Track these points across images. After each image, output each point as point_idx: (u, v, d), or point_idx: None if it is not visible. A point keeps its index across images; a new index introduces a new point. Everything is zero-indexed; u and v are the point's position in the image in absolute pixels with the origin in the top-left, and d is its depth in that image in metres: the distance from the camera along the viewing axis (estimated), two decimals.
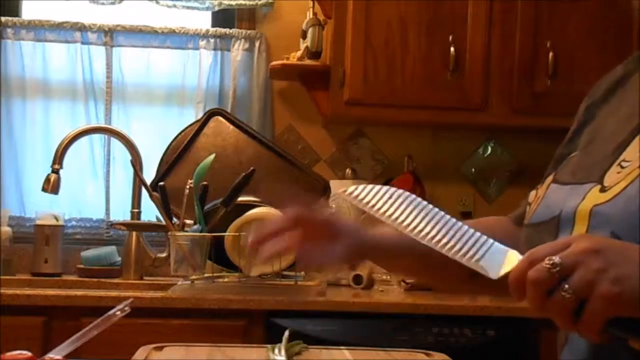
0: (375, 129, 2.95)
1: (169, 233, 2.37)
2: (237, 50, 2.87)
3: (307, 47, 2.77)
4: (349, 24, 2.60)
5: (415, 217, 0.90)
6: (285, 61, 2.80)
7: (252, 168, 2.34)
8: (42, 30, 2.83)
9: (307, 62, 2.78)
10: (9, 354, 1.00)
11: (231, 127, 2.64)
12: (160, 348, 1.27)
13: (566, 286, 0.77)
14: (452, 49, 2.58)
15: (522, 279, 0.80)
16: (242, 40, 2.88)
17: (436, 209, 0.91)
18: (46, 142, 2.81)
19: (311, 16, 2.79)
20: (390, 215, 0.92)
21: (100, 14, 2.89)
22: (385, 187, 0.96)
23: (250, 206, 2.38)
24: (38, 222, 2.71)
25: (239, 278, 2.33)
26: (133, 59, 2.88)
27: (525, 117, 2.65)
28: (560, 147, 1.15)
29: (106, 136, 2.83)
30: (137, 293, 2.28)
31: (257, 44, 2.88)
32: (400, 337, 2.18)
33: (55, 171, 2.60)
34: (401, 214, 0.91)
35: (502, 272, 0.83)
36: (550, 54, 2.59)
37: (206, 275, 2.36)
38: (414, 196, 0.93)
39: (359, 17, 2.59)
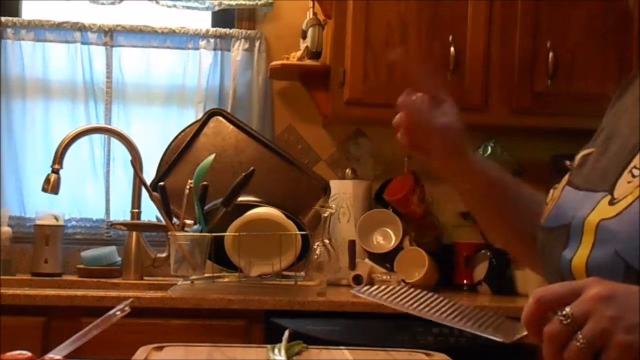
0: (375, 129, 2.95)
1: (169, 233, 2.37)
2: (237, 50, 2.87)
3: (307, 47, 2.77)
4: (349, 24, 2.60)
5: (430, 304, 0.93)
6: (285, 61, 2.80)
7: (252, 168, 2.34)
8: (42, 30, 2.83)
9: (307, 62, 2.78)
10: (9, 354, 1.00)
11: (231, 127, 2.64)
12: (160, 348, 1.27)
13: (580, 337, 0.76)
14: (452, 49, 2.58)
15: (533, 319, 0.80)
16: (242, 40, 2.88)
17: (448, 299, 0.94)
18: (46, 142, 2.81)
19: (311, 16, 2.79)
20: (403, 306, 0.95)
21: (100, 14, 2.89)
22: (398, 287, 0.98)
23: (250, 206, 2.38)
24: (38, 222, 2.71)
25: (239, 278, 2.33)
26: (133, 59, 2.88)
27: (525, 117, 2.65)
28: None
29: (106, 136, 2.83)
30: (137, 293, 2.28)
31: (257, 44, 2.88)
32: (400, 337, 2.18)
33: (55, 171, 2.60)
34: (413, 303, 0.94)
35: (517, 337, 0.86)
36: (550, 54, 2.59)
37: (206, 275, 2.37)
38: (425, 292, 0.96)
39: (359, 17, 2.59)
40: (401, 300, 0.94)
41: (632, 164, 0.95)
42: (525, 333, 0.84)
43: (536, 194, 1.18)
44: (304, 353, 1.24)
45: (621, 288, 0.79)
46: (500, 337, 0.86)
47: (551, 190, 1.10)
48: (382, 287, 0.96)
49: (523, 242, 1.18)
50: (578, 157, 1.09)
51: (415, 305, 0.93)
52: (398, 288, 0.96)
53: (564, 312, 0.77)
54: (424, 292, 0.95)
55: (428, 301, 0.93)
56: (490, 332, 0.87)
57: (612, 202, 0.93)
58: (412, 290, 0.95)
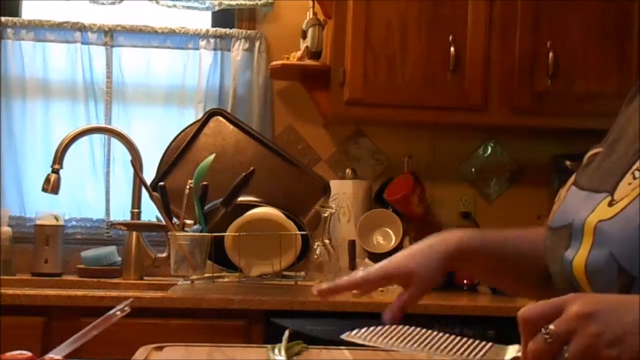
0: (375, 129, 2.95)
1: (169, 233, 2.37)
2: (237, 50, 2.87)
3: (307, 47, 2.77)
4: (349, 24, 2.60)
5: (421, 340, 0.96)
6: (285, 61, 2.80)
7: (252, 168, 2.34)
8: (42, 30, 2.83)
9: (307, 62, 2.78)
10: (9, 354, 1.00)
11: (231, 127, 2.64)
12: (160, 348, 1.27)
13: (566, 355, 0.77)
14: (452, 49, 2.58)
15: (524, 338, 0.81)
16: (242, 40, 2.88)
17: (438, 332, 0.96)
18: (46, 142, 2.81)
19: (311, 16, 2.79)
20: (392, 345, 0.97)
21: (100, 14, 2.89)
22: (387, 327, 1.00)
23: (250, 206, 2.38)
24: (38, 222, 2.71)
25: (239, 278, 2.34)
26: (133, 59, 2.88)
27: (525, 117, 2.65)
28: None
29: (106, 136, 2.83)
30: (137, 293, 2.28)
31: (257, 44, 2.88)
32: None
33: (55, 171, 2.60)
34: (403, 341, 0.97)
35: (508, 357, 0.89)
36: (550, 54, 2.59)
37: (206, 275, 2.37)
38: (414, 328, 0.99)
39: (359, 17, 2.59)
40: (391, 339, 0.97)
41: (635, 166, 0.94)
42: (515, 355, 0.88)
43: (537, 240, 1.16)
44: (304, 353, 1.24)
45: (603, 300, 0.79)
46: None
47: (560, 190, 1.10)
48: (372, 329, 1.00)
49: (538, 286, 1.17)
50: (587, 155, 1.09)
51: (406, 343, 0.96)
52: (387, 328, 0.99)
53: (548, 330, 0.78)
54: (413, 328, 0.98)
55: (419, 337, 0.96)
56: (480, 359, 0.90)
57: (611, 204, 0.93)
58: (400, 328, 0.98)
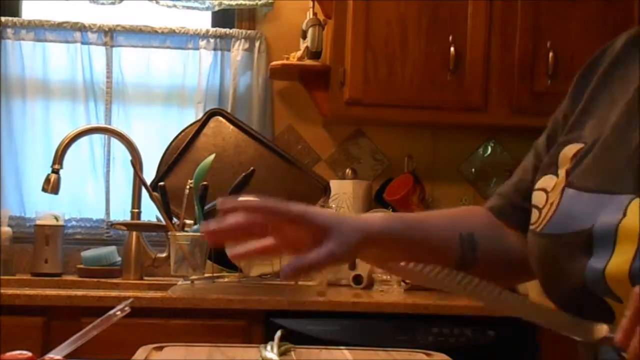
0: (375, 129, 2.95)
1: (169, 233, 2.37)
2: (237, 50, 2.87)
3: (307, 47, 2.77)
4: (349, 24, 2.60)
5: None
6: (285, 61, 2.80)
7: (252, 168, 2.34)
8: (42, 30, 2.83)
9: (307, 62, 2.78)
10: (9, 354, 1.00)
11: (231, 127, 2.64)
12: (160, 348, 1.27)
13: None
14: (452, 49, 2.58)
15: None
16: (242, 40, 2.88)
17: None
18: (46, 142, 2.81)
19: (311, 16, 2.79)
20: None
21: (100, 14, 2.89)
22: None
23: None
24: (38, 222, 2.70)
25: (239, 278, 2.34)
26: (133, 59, 2.88)
27: (525, 117, 2.65)
28: (561, 136, 1.05)
29: (106, 136, 2.83)
30: (137, 293, 2.28)
31: (257, 44, 2.88)
32: (400, 337, 2.18)
33: (55, 171, 2.60)
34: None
35: (599, 337, 0.79)
36: (550, 54, 2.59)
37: (206, 275, 2.37)
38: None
39: (359, 17, 2.59)
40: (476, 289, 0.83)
41: None
42: (606, 335, 0.78)
43: (442, 224, 1.09)
44: (292, 352, 1.24)
45: None
46: (578, 335, 0.80)
47: (538, 192, 1.02)
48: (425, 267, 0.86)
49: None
50: (568, 154, 1.00)
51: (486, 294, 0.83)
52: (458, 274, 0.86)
53: None
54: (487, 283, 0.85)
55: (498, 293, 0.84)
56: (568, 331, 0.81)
57: None
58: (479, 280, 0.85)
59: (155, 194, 2.39)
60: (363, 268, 2.56)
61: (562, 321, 0.82)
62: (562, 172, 0.99)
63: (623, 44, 1.09)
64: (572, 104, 1.08)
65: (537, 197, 1.01)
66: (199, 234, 2.32)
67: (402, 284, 2.54)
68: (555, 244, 0.95)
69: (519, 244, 1.09)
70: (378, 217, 1.04)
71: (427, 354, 1.30)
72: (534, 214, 1.00)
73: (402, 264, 0.88)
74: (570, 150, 1.00)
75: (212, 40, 2.88)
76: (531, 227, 1.00)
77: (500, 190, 1.17)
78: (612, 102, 1.00)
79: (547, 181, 1.01)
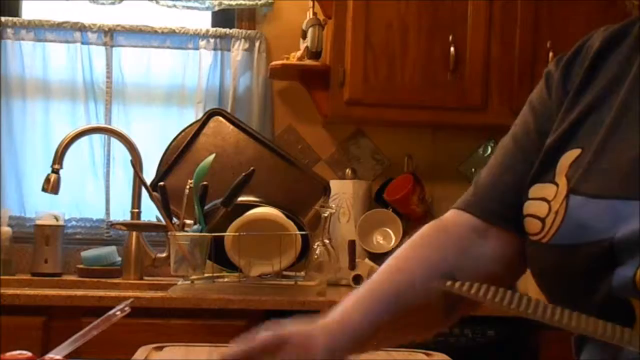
0: (375, 129, 2.95)
1: (169, 233, 2.37)
2: (237, 50, 2.87)
3: (307, 47, 2.77)
4: (349, 24, 2.60)
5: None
6: (285, 61, 2.80)
7: (252, 168, 2.34)
8: (42, 30, 2.83)
9: (307, 62, 2.78)
10: (9, 354, 1.00)
11: (231, 127, 2.64)
12: (160, 348, 1.27)
13: None
14: (452, 49, 2.58)
15: None
16: (242, 40, 2.88)
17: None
18: (46, 142, 2.81)
19: (311, 16, 2.79)
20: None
21: (100, 14, 2.89)
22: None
23: (250, 206, 2.38)
24: (38, 222, 2.71)
25: (239, 278, 2.34)
26: (133, 59, 2.88)
27: None
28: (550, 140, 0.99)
29: (106, 136, 2.83)
30: (137, 293, 2.28)
31: (257, 44, 2.88)
32: None
33: (55, 171, 2.60)
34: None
35: None
36: (550, 54, 2.59)
37: (206, 275, 2.37)
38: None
39: (359, 17, 2.59)
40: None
41: None
42: None
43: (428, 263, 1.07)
44: None
45: None
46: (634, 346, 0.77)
47: (535, 202, 0.97)
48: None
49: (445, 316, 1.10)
50: (566, 162, 0.95)
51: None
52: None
53: None
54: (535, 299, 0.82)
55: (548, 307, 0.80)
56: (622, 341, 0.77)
57: None
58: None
59: (155, 194, 2.39)
60: (363, 268, 2.56)
61: (618, 333, 0.78)
62: (561, 180, 0.94)
63: (603, 41, 1.07)
64: (557, 103, 1.03)
65: (536, 207, 0.96)
66: (198, 234, 2.32)
67: None
68: (571, 255, 0.90)
69: (498, 246, 1.04)
70: (352, 313, 1.04)
71: (426, 354, 1.30)
72: (535, 224, 0.95)
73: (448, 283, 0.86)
74: (567, 157, 0.96)
75: (212, 40, 2.88)
76: (533, 237, 0.95)
77: (482, 190, 1.08)
78: (603, 104, 0.97)
79: (545, 190, 0.96)
